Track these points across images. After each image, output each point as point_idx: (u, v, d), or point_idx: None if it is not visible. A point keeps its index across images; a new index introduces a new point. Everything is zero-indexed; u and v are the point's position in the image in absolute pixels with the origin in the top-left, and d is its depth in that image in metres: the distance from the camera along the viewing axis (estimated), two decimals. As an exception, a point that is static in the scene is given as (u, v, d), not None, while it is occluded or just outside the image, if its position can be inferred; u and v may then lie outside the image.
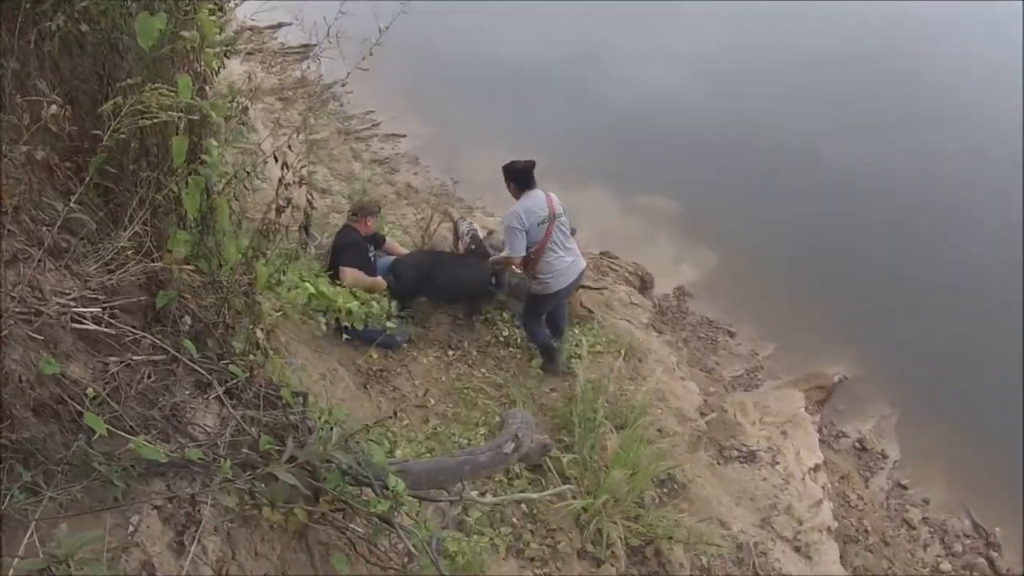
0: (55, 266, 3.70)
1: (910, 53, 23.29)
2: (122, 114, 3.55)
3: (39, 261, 3.61)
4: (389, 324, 9.04)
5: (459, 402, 9.68)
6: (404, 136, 19.19)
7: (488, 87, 21.34)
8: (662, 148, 19.34)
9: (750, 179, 18.49)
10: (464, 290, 10.91)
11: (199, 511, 3.63)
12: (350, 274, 9.64)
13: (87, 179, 3.72)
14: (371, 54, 4.78)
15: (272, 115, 15.01)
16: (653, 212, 17.61)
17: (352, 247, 9.99)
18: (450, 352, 10.47)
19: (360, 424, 4.89)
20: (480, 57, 22.34)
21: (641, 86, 21.58)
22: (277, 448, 4.02)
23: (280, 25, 21.21)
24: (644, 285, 15.10)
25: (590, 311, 12.18)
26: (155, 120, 3.60)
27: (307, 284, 8.07)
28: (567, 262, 9.98)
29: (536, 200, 9.81)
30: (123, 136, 3.64)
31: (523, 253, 9.77)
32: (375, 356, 9.68)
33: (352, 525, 4.56)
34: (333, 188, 14.37)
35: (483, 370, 10.26)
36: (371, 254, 10.30)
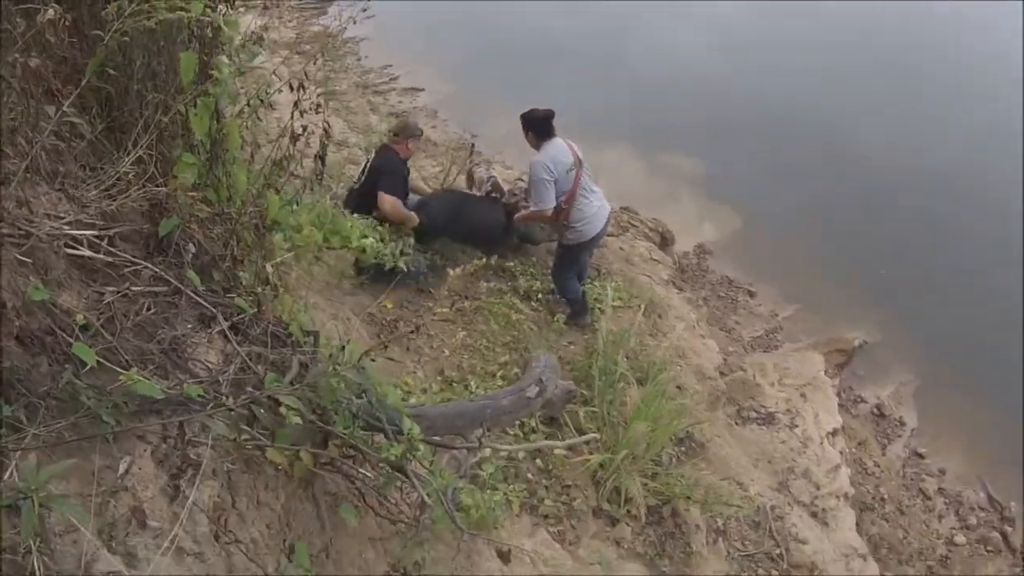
0: (50, 188, 3.47)
1: (946, 25, 23.10)
2: (125, 14, 3.30)
3: (26, 173, 3.38)
4: (400, 263, 8.50)
5: (475, 354, 9.49)
6: (422, 91, 19.05)
7: (511, 49, 21.23)
8: (687, 110, 19.16)
9: (775, 142, 18.31)
10: (486, 232, 10.76)
11: (197, 453, 3.40)
12: (390, 202, 9.36)
13: (84, 81, 3.48)
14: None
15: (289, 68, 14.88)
16: (676, 170, 17.45)
17: (395, 174, 9.65)
18: (467, 303, 10.28)
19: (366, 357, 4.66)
20: (505, 20, 22.24)
21: (667, 51, 21.56)
22: (285, 385, 3.82)
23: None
24: (664, 242, 15.01)
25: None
26: (161, 20, 3.35)
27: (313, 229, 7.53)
28: (596, 206, 9.92)
29: (559, 148, 9.65)
30: (127, 39, 3.39)
31: (553, 204, 9.61)
32: (389, 306, 9.52)
33: (362, 471, 4.35)
34: (350, 140, 14.28)
35: (502, 321, 10.04)
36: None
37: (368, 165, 9.45)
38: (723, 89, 20.00)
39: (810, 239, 16.14)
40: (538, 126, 9.69)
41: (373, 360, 4.34)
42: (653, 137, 18.16)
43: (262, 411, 3.68)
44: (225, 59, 3.98)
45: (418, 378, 8.68)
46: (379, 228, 8.79)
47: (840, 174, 17.54)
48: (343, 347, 4.24)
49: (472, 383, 8.87)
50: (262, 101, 4.30)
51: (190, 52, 3.63)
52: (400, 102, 18.35)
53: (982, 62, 21.64)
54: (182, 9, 3.40)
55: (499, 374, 9.20)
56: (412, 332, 8.26)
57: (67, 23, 3.42)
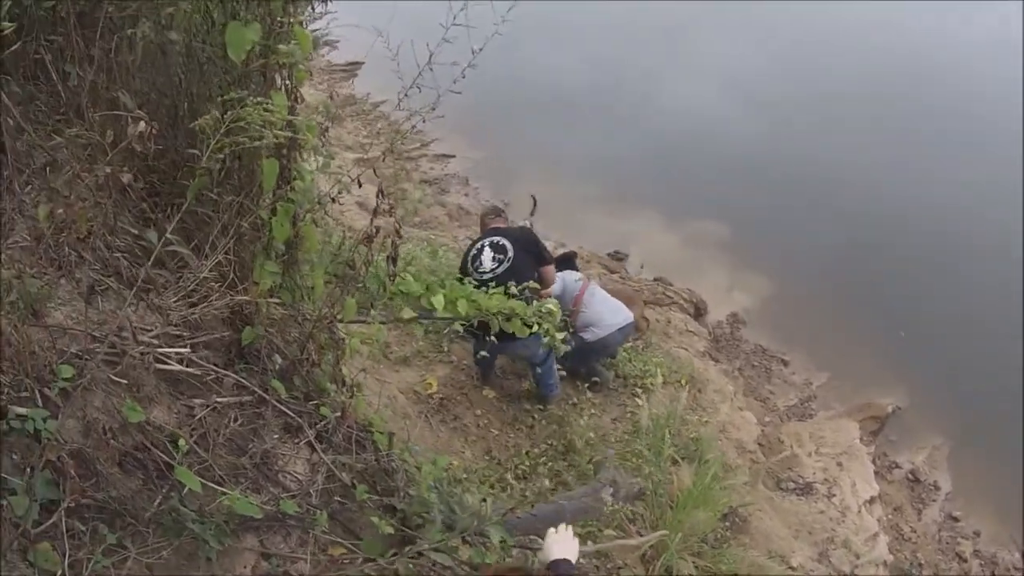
0: (133, 299, 3.44)
1: (969, 81, 23.06)
2: (221, 132, 3.27)
3: (117, 292, 3.37)
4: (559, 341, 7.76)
5: (521, 432, 9.44)
6: (453, 157, 19.14)
7: (538, 112, 21.28)
8: (714, 174, 19.25)
9: (803, 205, 18.33)
10: None
11: (297, 569, 3.38)
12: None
13: (184, 205, 3.45)
14: (463, 76, 4.52)
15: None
16: (705, 237, 17.45)
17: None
18: (511, 382, 10.31)
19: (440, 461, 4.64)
20: (529, 82, 22.32)
21: (693, 113, 21.58)
22: (373, 496, 3.80)
23: (327, 44, 21.21)
24: (698, 312, 15.02)
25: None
26: (258, 140, 3.32)
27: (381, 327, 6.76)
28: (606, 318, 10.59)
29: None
30: (221, 157, 3.36)
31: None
32: (434, 384, 9.46)
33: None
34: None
35: (548, 403, 9.99)
36: None
37: (503, 244, 9.33)
38: (745, 146, 20.13)
39: (838, 303, 16.18)
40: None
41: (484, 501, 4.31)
42: (680, 201, 18.25)
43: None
44: (307, 166, 3.97)
45: (466, 458, 8.64)
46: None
47: (866, 232, 17.56)
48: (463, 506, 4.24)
49: (522, 464, 8.83)
50: (333, 200, 4.27)
51: (271, 159, 3.60)
52: (432, 168, 18.41)
53: (1006, 110, 21.62)
54: (274, 126, 3.37)
55: (549, 455, 9.18)
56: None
57: (153, 132, 3.40)
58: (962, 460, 13.46)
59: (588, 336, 10.24)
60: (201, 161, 3.34)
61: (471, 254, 9.39)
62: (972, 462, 13.39)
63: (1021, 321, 14.94)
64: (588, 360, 10.49)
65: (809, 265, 16.72)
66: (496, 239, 9.35)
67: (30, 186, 3.54)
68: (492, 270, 9.01)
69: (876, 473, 12.19)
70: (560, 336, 6.49)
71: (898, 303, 15.93)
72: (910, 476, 13.10)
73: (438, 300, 5.44)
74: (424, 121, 4.61)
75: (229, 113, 3.27)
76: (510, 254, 9.14)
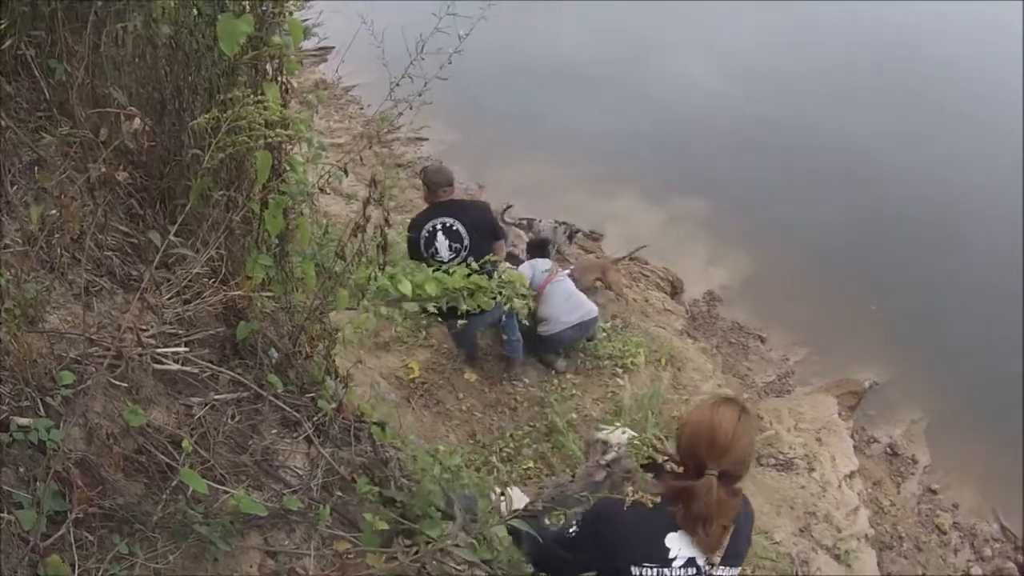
0: (127, 299, 3.41)
1: (959, 55, 23.06)
2: (223, 131, 3.22)
3: (110, 292, 3.34)
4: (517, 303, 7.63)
5: (504, 415, 9.48)
6: (427, 140, 19.03)
7: (517, 93, 21.22)
8: (697, 148, 19.34)
9: (783, 180, 18.37)
10: None
11: (303, 565, 3.37)
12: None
13: (187, 206, 3.41)
14: (450, 62, 4.49)
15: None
16: (684, 214, 17.45)
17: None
18: (492, 364, 10.39)
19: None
20: (508, 64, 22.08)
21: (677, 86, 21.58)
22: (373, 489, 3.79)
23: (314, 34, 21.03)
24: (675, 290, 15.07)
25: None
26: (257, 138, 3.27)
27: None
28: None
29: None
30: (221, 156, 3.30)
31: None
32: (416, 369, 9.49)
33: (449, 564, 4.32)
34: (359, 193, 14.08)
35: (526, 381, 10.20)
36: None
37: (457, 227, 9.05)
38: (729, 121, 20.18)
39: (815, 279, 16.25)
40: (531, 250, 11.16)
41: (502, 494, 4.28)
42: (659, 178, 18.29)
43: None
44: (299, 157, 3.94)
45: (450, 442, 8.67)
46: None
47: (846, 208, 17.66)
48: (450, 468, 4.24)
49: (504, 447, 8.86)
50: (322, 189, 4.25)
51: (265, 152, 3.56)
52: (404, 152, 18.30)
53: (995, 84, 21.63)
54: (274, 124, 3.32)
55: (531, 436, 9.24)
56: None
57: (147, 128, 3.37)
58: (939, 434, 13.61)
59: (541, 329, 10.39)
60: (202, 161, 3.28)
61: (423, 236, 9.08)
62: (949, 435, 13.55)
63: (997, 298, 15.02)
64: (539, 352, 10.68)
65: (786, 241, 16.79)
66: (449, 223, 9.04)
67: (16, 186, 3.49)
68: (450, 260, 8.74)
69: (855, 448, 12.28)
70: (520, 304, 6.60)
71: (876, 279, 16.02)
72: (888, 450, 13.24)
73: (405, 286, 5.43)
74: (412, 108, 4.58)
75: (229, 112, 3.21)
76: (466, 242, 8.99)
